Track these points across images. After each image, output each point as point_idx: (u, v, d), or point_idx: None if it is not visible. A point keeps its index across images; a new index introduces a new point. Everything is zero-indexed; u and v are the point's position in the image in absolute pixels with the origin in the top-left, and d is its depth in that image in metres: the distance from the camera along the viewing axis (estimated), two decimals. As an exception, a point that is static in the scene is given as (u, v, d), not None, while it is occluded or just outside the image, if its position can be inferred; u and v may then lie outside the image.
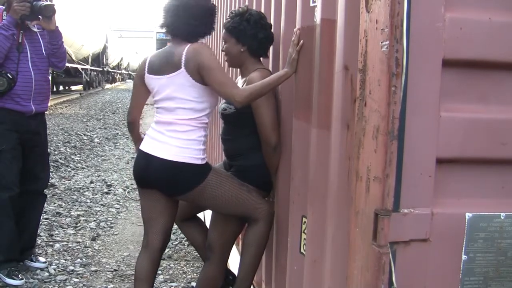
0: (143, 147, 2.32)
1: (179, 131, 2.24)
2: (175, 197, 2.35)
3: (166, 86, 2.25)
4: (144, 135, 2.40)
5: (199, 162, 2.25)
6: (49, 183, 5.68)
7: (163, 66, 2.26)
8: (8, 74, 3.06)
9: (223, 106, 2.40)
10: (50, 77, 15.84)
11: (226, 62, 2.50)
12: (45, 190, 3.59)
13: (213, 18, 2.32)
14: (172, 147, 2.22)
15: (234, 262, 3.18)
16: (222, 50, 2.44)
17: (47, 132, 3.66)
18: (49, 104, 3.58)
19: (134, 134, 2.59)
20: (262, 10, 2.65)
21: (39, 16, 3.12)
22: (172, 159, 2.21)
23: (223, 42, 2.42)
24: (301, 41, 2.00)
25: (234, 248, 3.40)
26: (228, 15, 2.47)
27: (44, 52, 3.25)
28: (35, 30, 3.21)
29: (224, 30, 2.40)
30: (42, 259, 3.53)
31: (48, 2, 3.18)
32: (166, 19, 2.28)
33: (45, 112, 3.47)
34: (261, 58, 2.45)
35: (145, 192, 2.38)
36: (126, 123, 2.62)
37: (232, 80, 2.23)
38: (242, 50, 2.35)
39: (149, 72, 2.32)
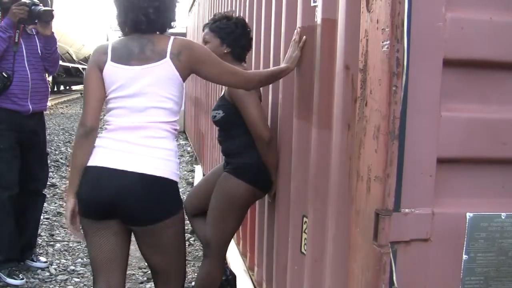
0: (105, 162, 1.82)
1: (155, 138, 1.84)
2: (139, 226, 1.89)
3: (138, 79, 1.84)
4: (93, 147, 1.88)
5: (177, 179, 1.89)
6: (49, 183, 5.69)
7: (138, 54, 1.86)
8: (4, 73, 3.07)
9: (212, 114, 2.45)
10: (50, 77, 15.85)
11: None
12: (45, 190, 3.59)
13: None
14: (154, 159, 1.82)
15: (234, 261, 3.19)
16: None
17: (47, 132, 3.66)
18: (49, 104, 3.59)
19: (85, 150, 1.88)
20: (263, 10, 2.66)
21: (36, 21, 3.16)
22: (158, 174, 1.81)
23: (203, 43, 2.40)
24: (304, 37, 2.00)
25: (235, 247, 3.41)
26: (211, 17, 2.49)
27: (39, 52, 3.27)
28: (31, 32, 3.25)
29: (207, 31, 2.41)
30: (43, 258, 3.54)
31: (47, 8, 3.21)
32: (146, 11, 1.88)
33: (45, 112, 3.47)
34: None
35: (102, 225, 1.89)
36: (82, 132, 1.88)
37: (234, 66, 2.08)
38: (225, 51, 2.37)
39: (114, 60, 1.87)
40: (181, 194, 1.96)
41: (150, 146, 1.83)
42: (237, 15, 2.45)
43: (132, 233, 1.97)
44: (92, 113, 1.89)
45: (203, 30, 2.47)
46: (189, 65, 1.89)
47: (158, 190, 1.83)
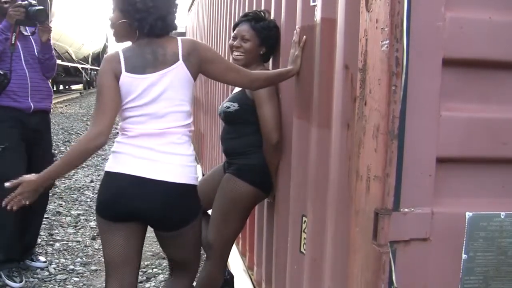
0: (131, 170, 1.85)
1: (177, 144, 1.89)
2: (166, 231, 1.96)
3: (155, 85, 1.86)
4: (114, 153, 1.92)
5: (197, 182, 1.99)
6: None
7: (152, 61, 1.87)
8: (0, 71, 3.06)
9: (226, 105, 2.39)
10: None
11: (233, 59, 2.40)
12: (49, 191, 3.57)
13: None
14: (178, 167, 1.87)
15: (233, 260, 3.19)
16: (236, 46, 2.36)
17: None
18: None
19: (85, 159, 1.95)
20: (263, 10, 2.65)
21: (37, 23, 3.15)
22: (183, 181, 1.87)
23: (240, 39, 2.34)
24: (304, 36, 2.00)
25: (234, 246, 3.40)
26: (245, 14, 2.46)
27: (36, 54, 3.26)
28: (27, 33, 3.24)
29: (248, 28, 2.34)
30: (42, 258, 3.54)
31: (40, 7, 3.19)
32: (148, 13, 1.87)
33: (48, 113, 3.45)
34: None
35: (120, 226, 1.91)
36: (98, 144, 1.84)
37: (238, 65, 2.13)
38: (261, 52, 2.36)
39: (128, 70, 1.86)
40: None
41: (173, 153, 1.88)
42: (272, 17, 2.43)
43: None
44: (111, 125, 1.86)
45: (236, 26, 2.40)
46: (198, 65, 1.94)
47: (184, 196, 1.91)
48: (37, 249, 3.68)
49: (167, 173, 1.85)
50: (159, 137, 1.87)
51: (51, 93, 3.45)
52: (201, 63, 1.94)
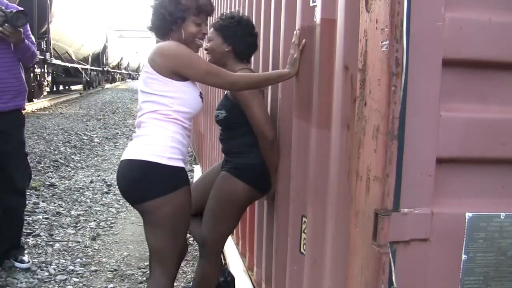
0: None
1: (142, 128, 2.06)
2: (134, 206, 2.10)
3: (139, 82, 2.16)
4: None
5: (166, 162, 1.97)
6: (48, 183, 5.69)
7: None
8: None
9: (215, 113, 2.46)
10: (49, 77, 15.49)
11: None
12: (26, 190, 3.50)
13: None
14: (135, 146, 2.04)
15: (233, 261, 3.19)
16: (205, 49, 2.47)
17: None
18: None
19: None
20: (262, 10, 2.66)
21: (6, 25, 3.04)
22: (133, 157, 2.00)
23: (207, 41, 2.44)
24: (304, 40, 2.00)
25: (234, 247, 3.41)
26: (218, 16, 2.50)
27: (12, 48, 3.17)
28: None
29: (212, 30, 2.43)
30: (25, 259, 3.44)
31: (21, 10, 3.10)
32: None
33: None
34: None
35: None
36: None
37: (220, 68, 2.12)
38: (227, 50, 2.38)
39: None
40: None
41: (138, 135, 2.07)
42: (242, 14, 2.44)
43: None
44: None
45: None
46: (167, 66, 2.02)
47: (139, 171, 1.99)
48: (36, 249, 3.68)
49: (128, 152, 2.05)
50: (137, 125, 2.12)
51: (23, 90, 3.34)
52: (170, 66, 2.02)
